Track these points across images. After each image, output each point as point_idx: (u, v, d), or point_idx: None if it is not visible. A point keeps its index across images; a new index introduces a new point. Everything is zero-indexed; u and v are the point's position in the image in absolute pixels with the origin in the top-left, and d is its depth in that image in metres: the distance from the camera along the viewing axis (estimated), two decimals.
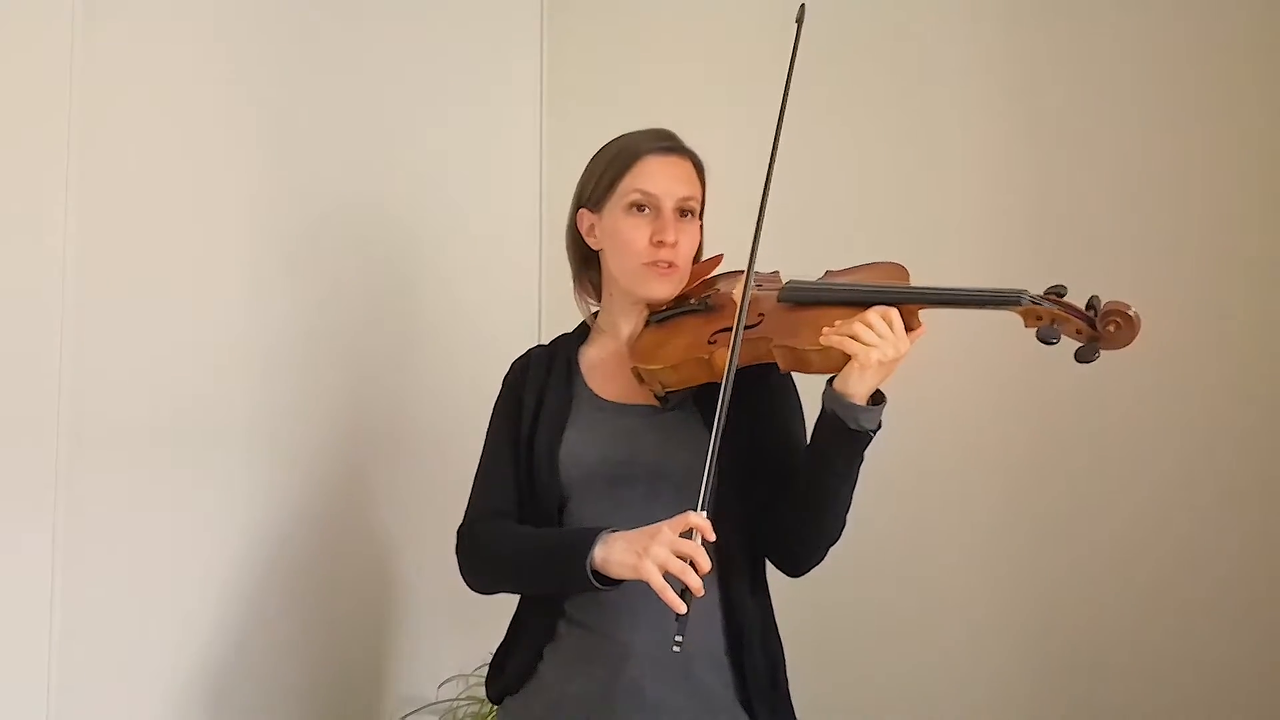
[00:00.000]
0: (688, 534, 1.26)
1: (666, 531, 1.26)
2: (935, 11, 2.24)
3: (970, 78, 2.20)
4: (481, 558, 1.52)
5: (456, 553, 1.53)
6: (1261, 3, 1.95)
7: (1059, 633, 2.06)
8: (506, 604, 1.59)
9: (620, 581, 1.31)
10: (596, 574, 1.32)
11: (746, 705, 1.45)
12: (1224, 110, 1.96)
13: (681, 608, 1.22)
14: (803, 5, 1.47)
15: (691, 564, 1.23)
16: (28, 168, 1.68)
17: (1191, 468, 1.95)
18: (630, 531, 1.31)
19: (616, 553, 1.30)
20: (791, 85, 1.45)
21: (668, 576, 1.24)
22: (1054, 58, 2.12)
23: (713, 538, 1.26)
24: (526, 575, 1.48)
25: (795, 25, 1.48)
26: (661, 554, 1.24)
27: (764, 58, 2.36)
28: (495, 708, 1.59)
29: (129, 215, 1.82)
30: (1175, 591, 1.96)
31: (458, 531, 1.55)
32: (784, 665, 1.51)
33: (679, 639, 1.20)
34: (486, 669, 1.62)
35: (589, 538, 1.33)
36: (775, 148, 1.43)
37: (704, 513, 1.26)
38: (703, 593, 1.23)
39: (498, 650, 1.59)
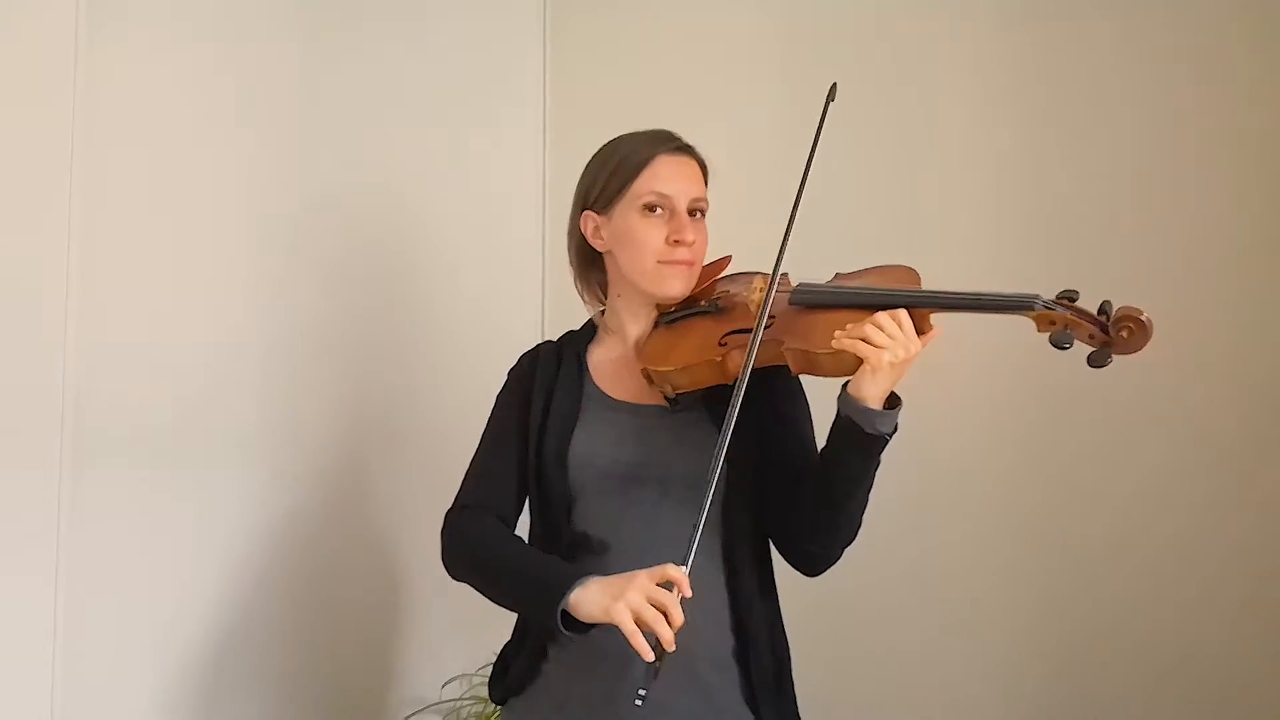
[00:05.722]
0: (667, 585, 1.25)
1: (644, 579, 1.26)
2: (944, 14, 2.23)
3: (971, 77, 2.19)
4: (463, 552, 1.52)
5: (441, 535, 1.53)
6: (1260, 2, 1.95)
7: (1068, 638, 2.06)
8: None
9: (588, 628, 1.31)
10: (565, 615, 1.31)
11: (752, 706, 1.45)
12: (1232, 111, 1.96)
13: (650, 655, 1.22)
14: (834, 84, 1.46)
15: (666, 616, 1.23)
16: (31, 169, 1.68)
17: (1195, 465, 1.95)
18: (607, 577, 1.31)
19: (591, 594, 1.30)
20: (808, 143, 1.44)
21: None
22: (1057, 56, 2.11)
23: (689, 594, 1.25)
24: (500, 588, 1.48)
25: (825, 101, 1.46)
26: (635, 600, 1.24)
27: (769, 58, 2.40)
28: (499, 708, 1.59)
29: (132, 218, 1.82)
30: (1178, 586, 1.96)
31: (446, 515, 1.55)
32: (790, 667, 1.51)
33: (642, 692, 1.21)
34: (490, 669, 1.62)
35: (569, 578, 1.33)
36: (799, 198, 1.42)
37: (687, 568, 1.25)
38: (674, 647, 1.22)
39: (503, 650, 1.59)
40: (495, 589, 1.48)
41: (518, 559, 1.47)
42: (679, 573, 1.25)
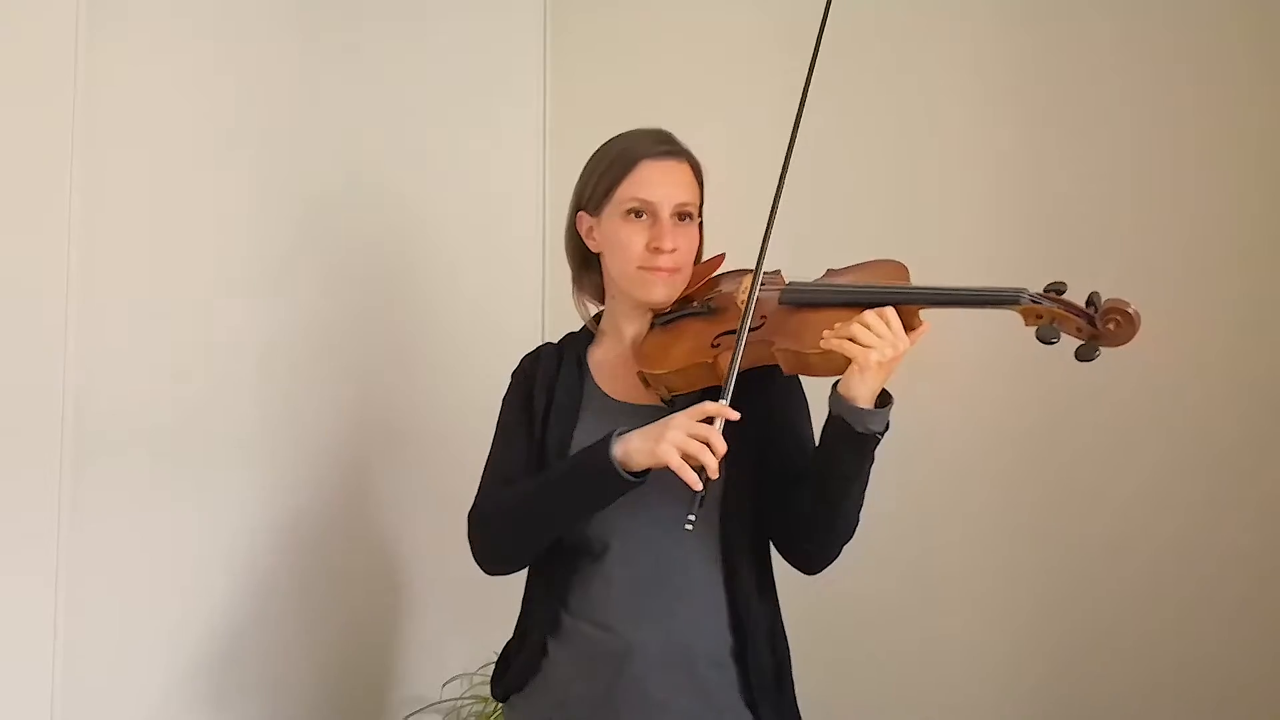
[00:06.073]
0: (707, 421, 1.29)
1: (681, 418, 1.30)
2: (944, 14, 2.23)
3: (970, 75, 2.20)
4: (498, 520, 1.49)
5: (469, 531, 1.50)
6: (1256, 2, 1.95)
7: (1067, 638, 2.06)
8: (510, 603, 1.59)
9: (645, 475, 1.33)
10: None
11: (751, 705, 1.45)
12: (1223, 107, 1.96)
13: (698, 484, 1.26)
14: None
15: (709, 447, 1.27)
16: (31, 169, 1.68)
17: (1195, 464, 1.95)
18: (644, 426, 1.34)
19: (635, 442, 1.32)
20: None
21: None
22: (1056, 55, 2.12)
23: (735, 417, 1.29)
24: (548, 509, 1.45)
25: None
26: (678, 437, 1.28)
27: (769, 58, 2.40)
28: (500, 707, 1.59)
29: (132, 218, 1.82)
30: (1177, 586, 1.96)
31: (468, 516, 1.52)
32: (790, 666, 1.51)
33: (691, 518, 1.24)
34: (490, 669, 1.62)
35: (602, 443, 1.35)
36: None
37: (727, 401, 1.29)
38: (718, 475, 1.27)
39: (504, 649, 1.59)
40: (541, 512, 1.45)
41: (543, 476, 1.47)
42: (718, 406, 1.28)
